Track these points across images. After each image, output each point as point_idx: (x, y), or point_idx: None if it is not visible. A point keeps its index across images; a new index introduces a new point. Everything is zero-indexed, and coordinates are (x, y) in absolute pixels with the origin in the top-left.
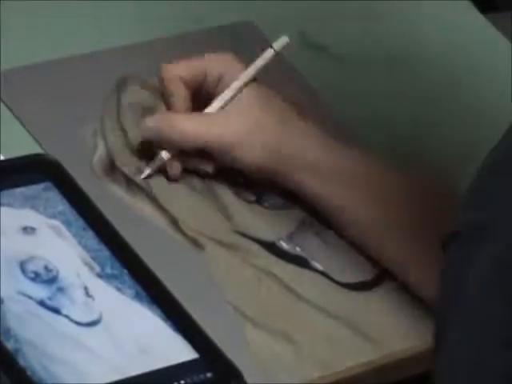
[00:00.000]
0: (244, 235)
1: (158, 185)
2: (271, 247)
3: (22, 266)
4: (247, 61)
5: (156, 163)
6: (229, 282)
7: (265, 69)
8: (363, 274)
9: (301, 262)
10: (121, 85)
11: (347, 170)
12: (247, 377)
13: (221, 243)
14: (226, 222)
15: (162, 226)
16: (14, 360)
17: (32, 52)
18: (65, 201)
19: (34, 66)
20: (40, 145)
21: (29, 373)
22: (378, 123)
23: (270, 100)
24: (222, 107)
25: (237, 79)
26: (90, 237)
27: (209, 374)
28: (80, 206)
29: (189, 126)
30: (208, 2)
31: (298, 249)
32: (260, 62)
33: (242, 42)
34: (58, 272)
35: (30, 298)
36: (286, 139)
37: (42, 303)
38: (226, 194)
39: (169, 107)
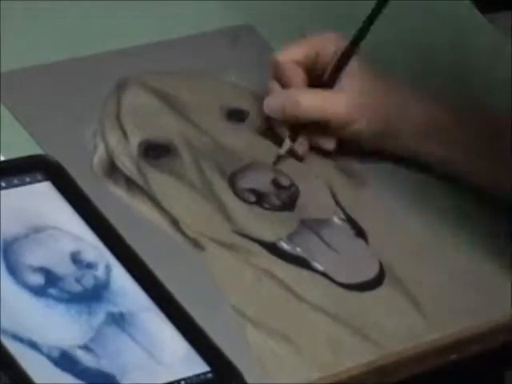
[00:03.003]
0: (244, 236)
1: (158, 185)
2: (271, 248)
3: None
4: (249, 64)
5: (284, 148)
6: (229, 282)
7: (265, 73)
8: (363, 274)
9: (301, 262)
10: (121, 86)
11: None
12: (247, 377)
13: (221, 244)
14: (226, 223)
15: (163, 226)
16: (14, 360)
17: (32, 54)
18: (65, 201)
19: (34, 67)
20: (40, 145)
21: (29, 373)
22: None
23: (371, 69)
24: (334, 81)
25: (339, 55)
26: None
27: (209, 375)
28: (80, 207)
29: (308, 100)
30: (208, 4)
31: (298, 249)
32: (360, 33)
33: (241, 44)
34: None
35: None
36: (392, 105)
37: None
38: (226, 194)
39: (286, 88)
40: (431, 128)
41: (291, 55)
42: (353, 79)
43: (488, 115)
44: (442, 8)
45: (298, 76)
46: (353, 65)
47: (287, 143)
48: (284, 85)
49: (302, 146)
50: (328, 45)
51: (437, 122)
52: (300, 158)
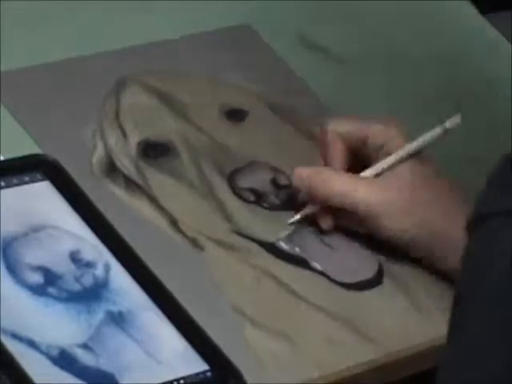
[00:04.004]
0: (243, 235)
1: (157, 185)
2: (271, 247)
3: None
4: (248, 64)
5: (305, 211)
6: (228, 282)
7: (264, 73)
8: (362, 273)
9: (300, 262)
10: (120, 86)
11: None
12: (247, 377)
13: (220, 243)
14: (225, 223)
15: (162, 226)
16: (13, 359)
17: (32, 54)
18: (64, 201)
19: (34, 67)
20: (39, 145)
21: (28, 372)
22: None
23: (425, 178)
24: (377, 175)
25: (396, 151)
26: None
27: (209, 374)
28: (79, 206)
29: (337, 185)
30: (208, 4)
31: (297, 249)
32: (425, 139)
33: (240, 45)
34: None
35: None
36: (438, 219)
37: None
38: (225, 194)
39: (325, 159)
40: None
41: (340, 129)
42: (395, 179)
43: None
44: (441, 8)
45: (337, 151)
46: (404, 166)
47: (309, 207)
48: (322, 155)
49: (324, 223)
50: (383, 135)
51: None
52: (322, 231)
